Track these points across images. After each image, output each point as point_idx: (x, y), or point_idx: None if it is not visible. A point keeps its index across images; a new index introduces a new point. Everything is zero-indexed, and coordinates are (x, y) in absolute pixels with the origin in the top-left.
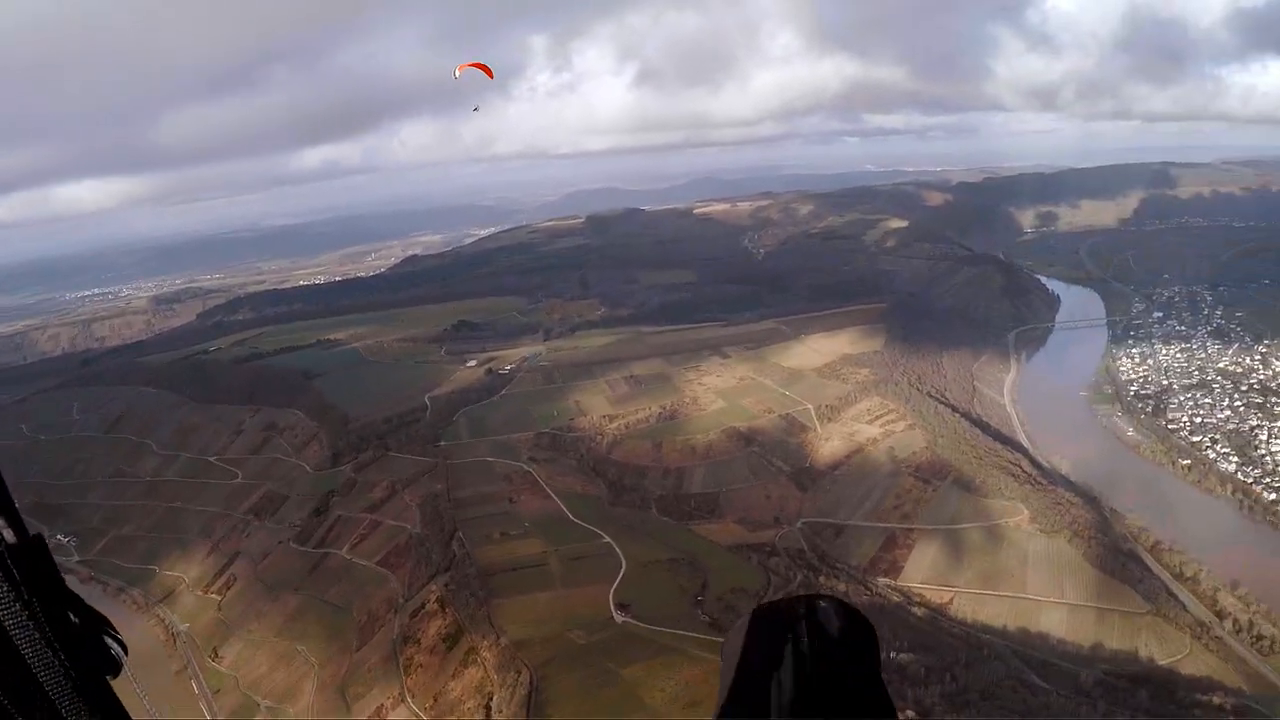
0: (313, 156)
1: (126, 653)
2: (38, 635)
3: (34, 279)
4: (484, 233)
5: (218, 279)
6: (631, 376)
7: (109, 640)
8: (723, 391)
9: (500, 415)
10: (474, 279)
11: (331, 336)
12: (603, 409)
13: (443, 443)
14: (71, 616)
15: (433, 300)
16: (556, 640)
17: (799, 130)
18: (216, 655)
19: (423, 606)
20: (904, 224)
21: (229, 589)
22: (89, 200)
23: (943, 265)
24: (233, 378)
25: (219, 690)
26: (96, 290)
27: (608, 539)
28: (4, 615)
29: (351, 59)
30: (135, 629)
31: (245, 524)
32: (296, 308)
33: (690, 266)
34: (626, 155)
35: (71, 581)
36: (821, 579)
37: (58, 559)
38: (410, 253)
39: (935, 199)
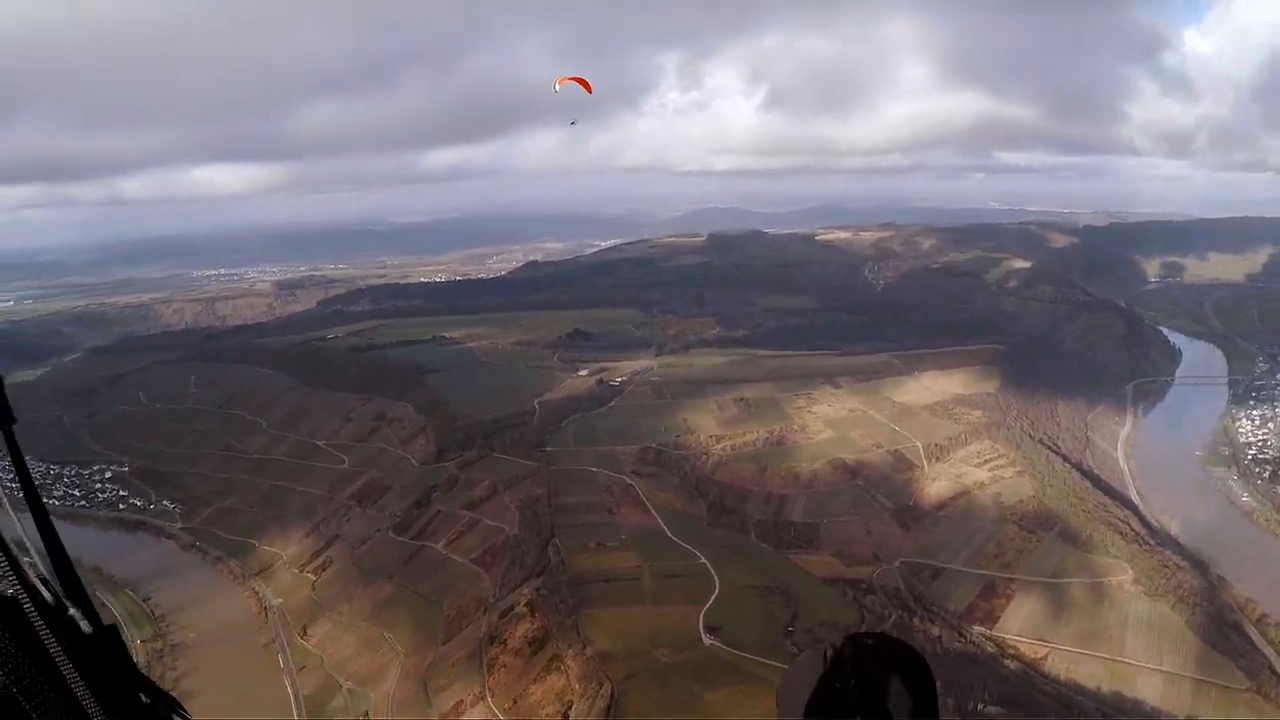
0: (442, 157)
1: None
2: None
3: (165, 255)
4: (606, 243)
5: (341, 269)
6: (742, 399)
7: (177, 718)
8: (832, 421)
9: (608, 426)
10: (593, 289)
11: (448, 334)
12: (710, 429)
13: (548, 448)
14: (143, 698)
15: (550, 306)
16: (642, 656)
17: (926, 163)
18: (305, 633)
19: (512, 608)
20: (1026, 264)
21: (324, 570)
22: (223, 184)
23: (1063, 309)
24: (347, 366)
25: (304, 667)
26: (223, 270)
27: (704, 560)
28: (82, 700)
29: (485, 65)
30: (230, 599)
31: (347, 509)
32: (416, 303)
33: (809, 292)
34: (752, 177)
35: (171, 547)
36: (916, 621)
37: (166, 525)
38: (532, 258)
39: (1059, 241)
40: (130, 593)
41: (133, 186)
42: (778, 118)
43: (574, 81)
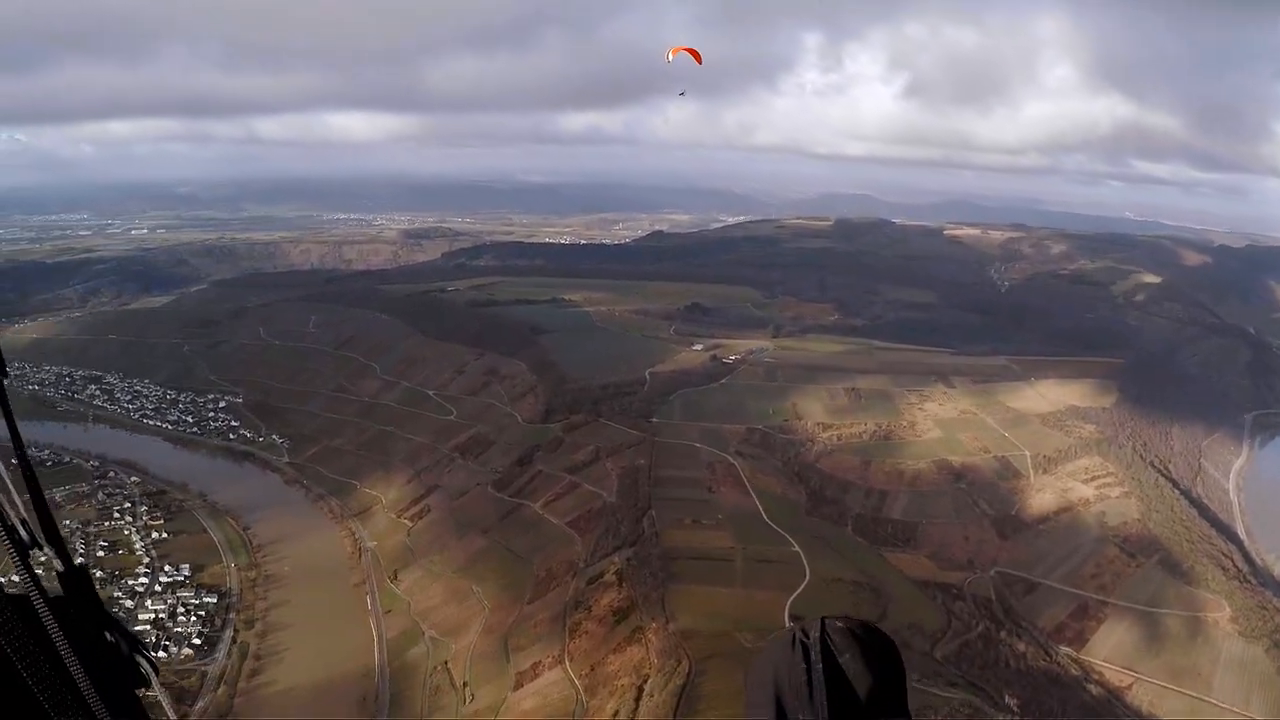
0: (576, 120)
1: (157, 672)
2: (76, 654)
3: (296, 196)
4: (732, 220)
5: (468, 223)
6: (853, 389)
7: (140, 659)
8: (942, 421)
9: (716, 403)
10: (714, 264)
11: (567, 296)
12: (819, 416)
13: (655, 419)
14: (108, 636)
15: (670, 278)
16: (724, 638)
17: (1062, 166)
18: (395, 578)
19: (601, 575)
20: (1156, 280)
21: (421, 518)
22: (358, 131)
23: (1189, 330)
24: (464, 319)
25: (390, 611)
26: (353, 215)
27: (797, 548)
28: (52, 634)
29: (625, 31)
30: (326, 537)
31: (449, 460)
32: (538, 263)
33: (932, 287)
34: (884, 165)
35: (275, 481)
36: (1003, 634)
37: (272, 458)
38: (657, 228)
39: (1192, 258)
40: (231, 520)
41: (269, 127)
42: (915, 107)
43: (686, 52)
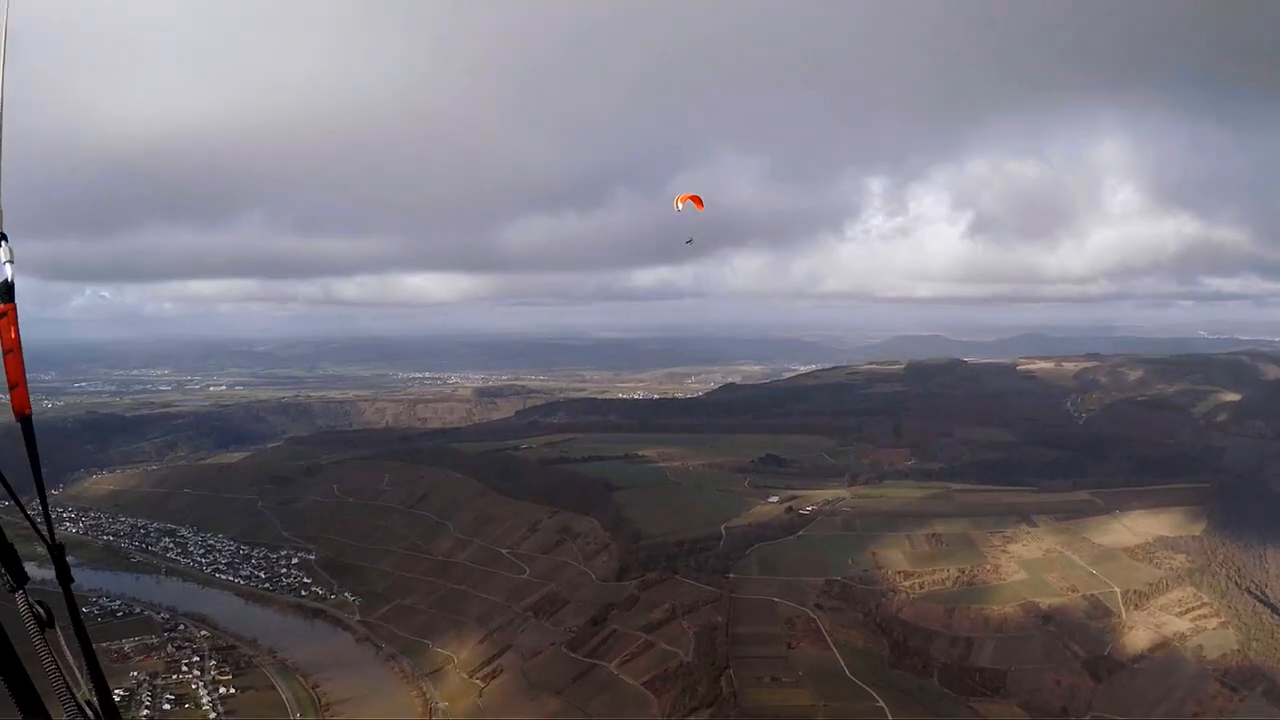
0: (646, 276)
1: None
2: None
3: (372, 355)
4: (803, 368)
5: (541, 380)
6: (934, 535)
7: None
8: (1026, 562)
9: (794, 556)
10: (788, 413)
11: (640, 452)
12: (899, 564)
13: (731, 574)
14: None
15: (744, 430)
16: None
17: (1132, 291)
18: None
19: None
20: (1236, 397)
21: (494, 678)
22: (432, 291)
23: (1275, 446)
24: (537, 476)
25: None
26: (427, 374)
27: (881, 703)
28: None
29: (690, 186)
30: (397, 698)
31: (523, 619)
32: (611, 419)
33: (1008, 425)
34: (953, 304)
35: (346, 639)
36: None
37: (344, 616)
38: (729, 379)
39: (1272, 372)
40: (301, 679)
41: (346, 288)
42: (981, 244)
43: (689, 200)
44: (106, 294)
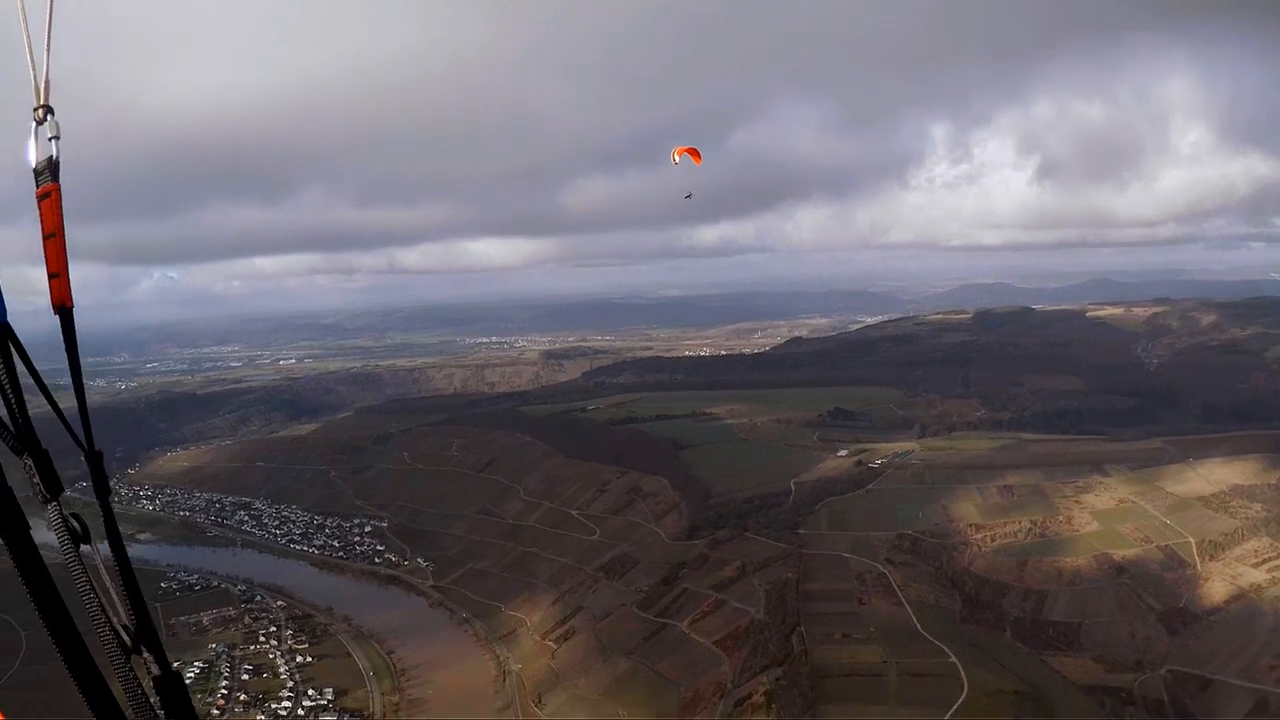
0: (709, 233)
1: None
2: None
3: (439, 322)
4: (870, 320)
5: (607, 340)
6: (1005, 486)
7: None
8: (1099, 513)
9: (863, 510)
10: (855, 366)
11: (707, 409)
12: (971, 517)
13: (801, 531)
14: None
15: (812, 384)
16: None
17: (1202, 233)
18: (540, 702)
19: (749, 696)
20: None
21: (566, 640)
22: (495, 256)
23: None
24: (605, 437)
25: None
26: (494, 339)
27: (953, 658)
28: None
29: (753, 139)
30: (470, 661)
31: (594, 580)
32: (677, 377)
33: (1078, 373)
34: (1020, 251)
35: (420, 604)
36: None
37: (417, 582)
38: (795, 334)
39: None
40: (376, 645)
41: (410, 256)
42: (1048, 189)
43: (687, 154)
44: (174, 275)
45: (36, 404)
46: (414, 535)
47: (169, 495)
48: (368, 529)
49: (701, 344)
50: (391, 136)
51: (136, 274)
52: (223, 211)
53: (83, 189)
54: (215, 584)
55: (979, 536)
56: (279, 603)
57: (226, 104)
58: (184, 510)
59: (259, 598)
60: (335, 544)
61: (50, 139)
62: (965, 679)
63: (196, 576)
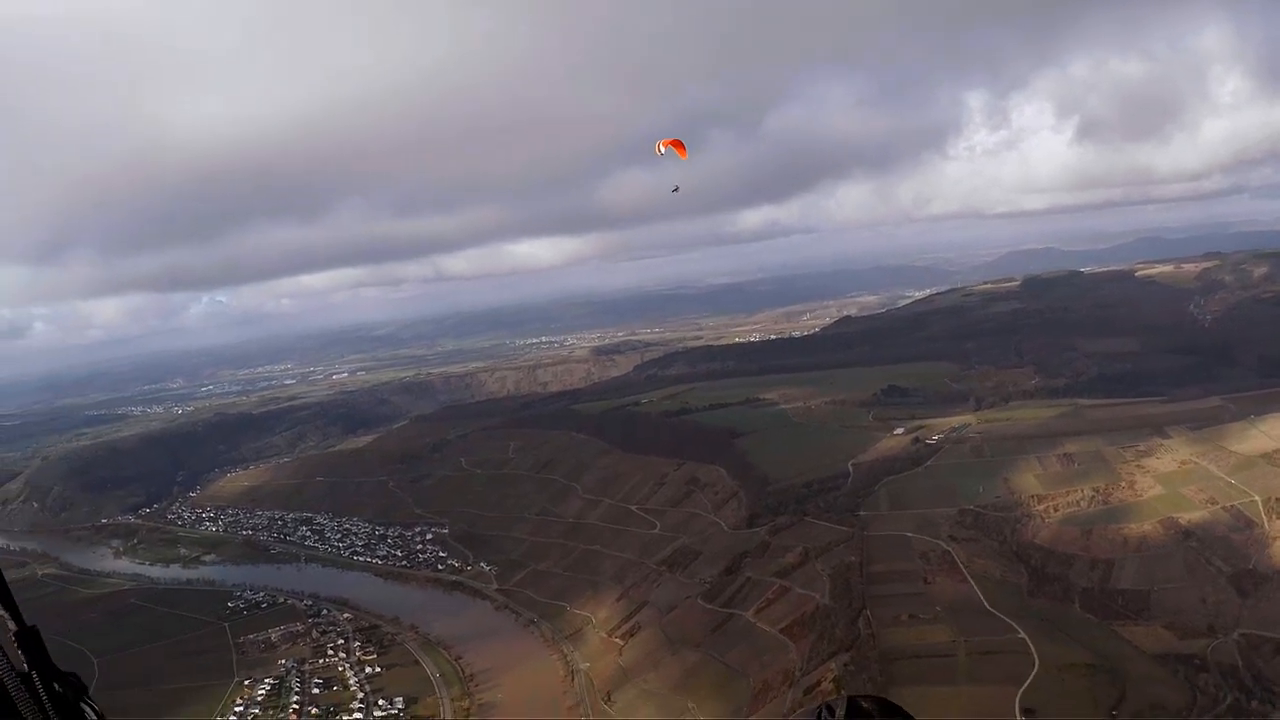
0: (753, 217)
1: (102, 718)
2: (37, 706)
3: (489, 325)
4: (918, 294)
5: (657, 333)
6: (1065, 455)
7: (86, 706)
8: (1162, 476)
9: (923, 488)
10: (906, 342)
11: (761, 396)
12: (1032, 488)
13: (862, 512)
14: (56, 687)
15: (863, 363)
16: None
17: (1248, 183)
18: (609, 699)
19: (818, 684)
20: None
21: (632, 635)
22: (540, 256)
23: None
24: (661, 430)
25: None
26: (545, 338)
27: (1022, 634)
28: (13, 689)
29: (787, 120)
30: (538, 662)
31: (657, 574)
32: (729, 365)
33: (1131, 334)
34: (1064, 213)
35: (485, 608)
36: (1254, 704)
37: (481, 586)
38: (845, 313)
39: None
40: (444, 651)
41: (455, 264)
42: (1090, 149)
43: (671, 146)
44: (223, 299)
45: None
46: (475, 540)
47: (231, 516)
48: (429, 536)
49: (751, 329)
50: (423, 145)
51: (186, 300)
52: (263, 232)
53: (125, 221)
54: (282, 600)
55: (1042, 507)
56: (345, 615)
57: (257, 126)
58: (246, 529)
59: (325, 611)
60: (398, 553)
61: None
62: (1036, 654)
63: (262, 594)
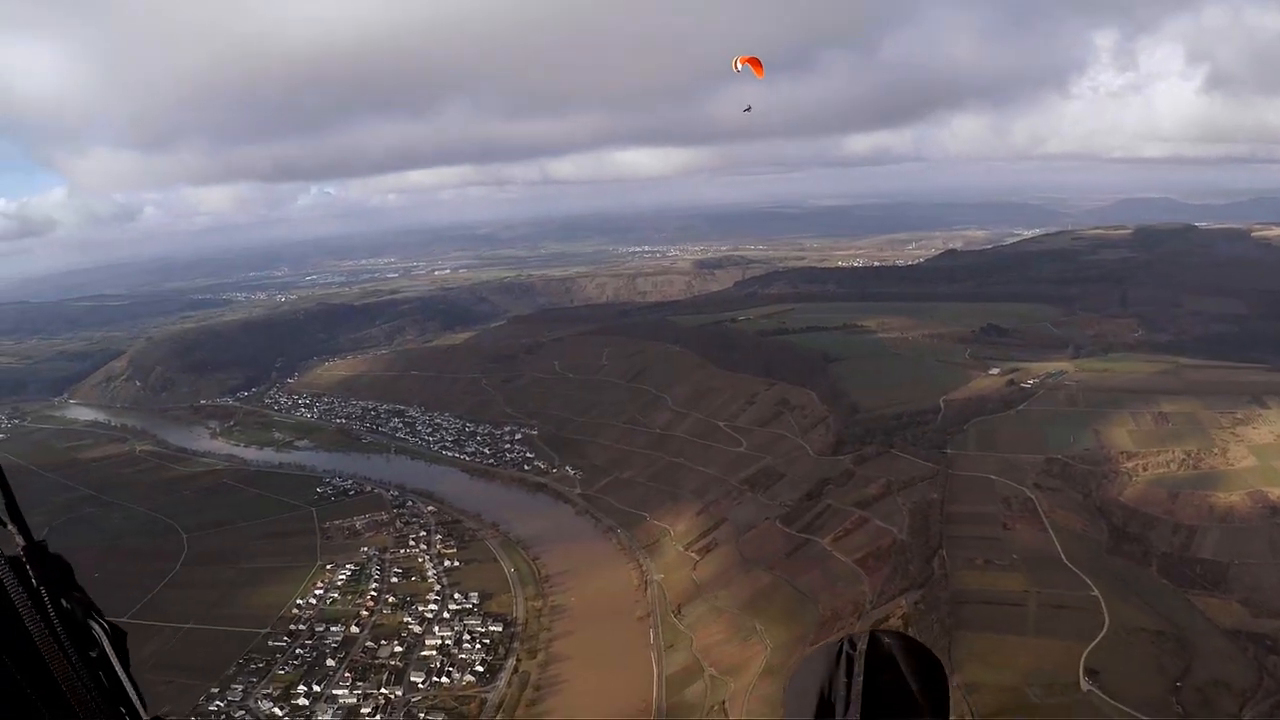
0: (863, 142)
1: (109, 635)
2: (45, 623)
3: (592, 231)
4: (1027, 233)
5: (760, 250)
6: (1160, 413)
7: (93, 622)
8: (1257, 448)
9: (1013, 432)
10: (1010, 281)
11: (859, 322)
12: (1123, 444)
13: (948, 450)
14: (63, 603)
15: (965, 298)
16: (1011, 692)
17: None
18: (679, 612)
19: (886, 618)
20: None
21: (708, 551)
22: (648, 166)
23: None
24: (755, 349)
25: (672, 646)
26: (647, 248)
27: (1096, 592)
28: (20, 606)
29: (907, 47)
30: (613, 569)
31: (738, 493)
32: (829, 288)
33: (1241, 296)
34: (1184, 164)
35: (567, 512)
36: None
37: (564, 490)
38: (950, 246)
39: None
40: (522, 551)
41: (562, 168)
42: (1217, 101)
43: (748, 64)
44: (331, 191)
45: None
46: (562, 444)
47: (326, 403)
48: (518, 437)
49: (855, 254)
50: (535, 50)
51: (294, 190)
52: (372, 128)
53: (233, 113)
54: (369, 489)
55: (1130, 465)
56: (430, 508)
57: (368, 24)
58: (340, 418)
59: (410, 503)
60: (486, 451)
61: None
62: (1107, 614)
63: (351, 482)
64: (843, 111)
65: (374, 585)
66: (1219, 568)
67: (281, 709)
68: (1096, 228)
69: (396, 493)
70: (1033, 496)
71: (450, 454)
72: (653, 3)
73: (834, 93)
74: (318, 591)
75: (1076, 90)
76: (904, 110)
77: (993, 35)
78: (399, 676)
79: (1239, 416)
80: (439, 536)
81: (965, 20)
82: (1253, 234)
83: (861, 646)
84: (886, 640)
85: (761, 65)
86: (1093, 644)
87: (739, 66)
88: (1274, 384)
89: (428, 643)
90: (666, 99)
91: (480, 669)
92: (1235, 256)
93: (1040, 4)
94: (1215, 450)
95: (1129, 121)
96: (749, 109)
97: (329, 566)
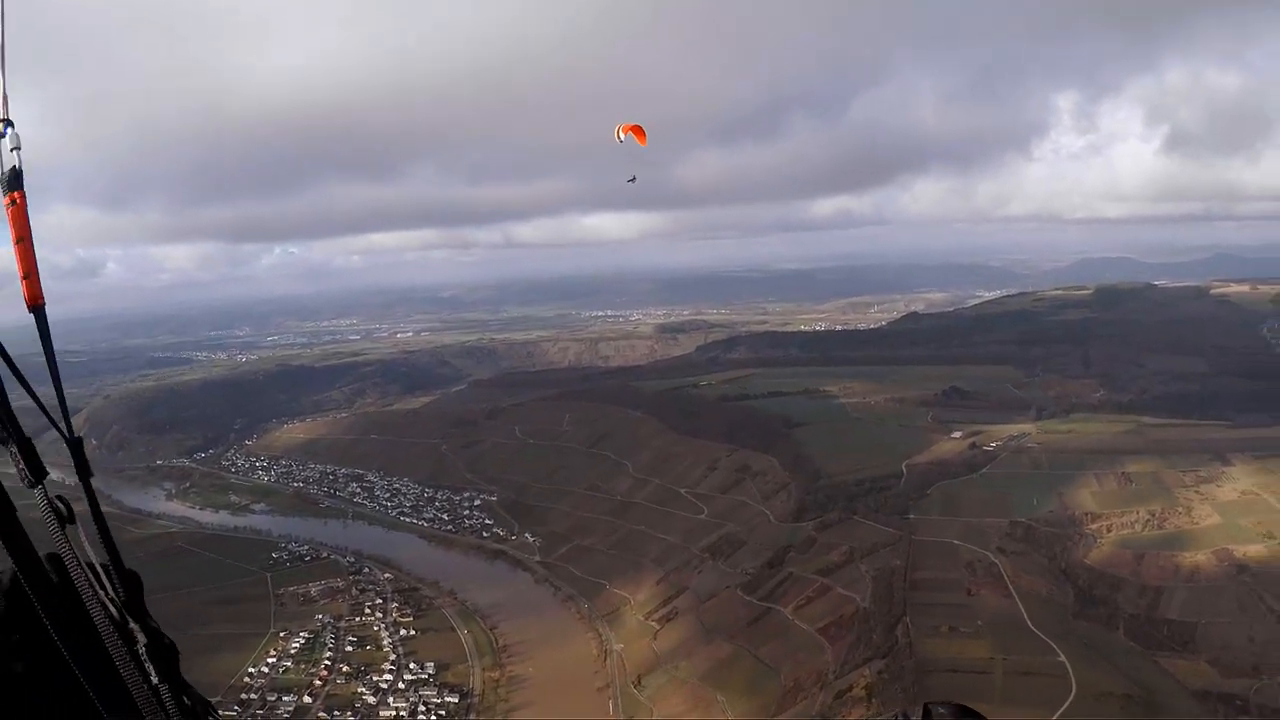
0: (826, 205)
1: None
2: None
3: (554, 295)
4: (988, 295)
5: (723, 314)
6: (1124, 474)
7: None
8: (1221, 505)
9: (976, 495)
10: (972, 343)
11: (821, 387)
12: (1087, 505)
13: (911, 515)
14: (185, 700)
15: (927, 361)
16: None
17: None
18: (639, 683)
19: (850, 689)
20: None
21: (669, 621)
22: (610, 229)
23: None
24: (717, 414)
25: (632, 718)
26: (609, 312)
27: (1062, 657)
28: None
29: (870, 111)
30: (573, 639)
31: (700, 561)
32: (792, 353)
33: (1201, 354)
34: (1143, 224)
35: (525, 580)
36: None
37: (524, 557)
38: (912, 308)
39: None
40: (480, 620)
41: (525, 231)
42: (1175, 161)
43: (630, 132)
44: (295, 250)
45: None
46: (522, 510)
47: (284, 466)
48: (477, 503)
49: (817, 317)
50: (499, 113)
51: (258, 250)
52: (337, 189)
53: (196, 170)
54: (325, 555)
55: (1095, 526)
56: (386, 575)
57: (334, 85)
58: (298, 481)
59: (367, 569)
60: (445, 517)
61: (12, 150)
62: (1074, 679)
63: (307, 547)
64: (806, 175)
65: (328, 654)
66: (1187, 628)
67: None
68: (1057, 288)
69: (353, 559)
70: (997, 561)
71: (409, 520)
72: (617, 65)
73: (799, 157)
74: (270, 659)
75: (1039, 152)
76: (868, 174)
77: (957, 99)
78: None
79: (1203, 475)
80: (395, 604)
81: (930, 85)
82: (1211, 291)
83: (916, 718)
84: (939, 710)
85: (645, 133)
86: (1060, 710)
87: (621, 136)
88: (1237, 440)
89: (382, 714)
90: (629, 163)
91: None
92: (1194, 314)
93: (1005, 67)
94: (1180, 509)
95: (1090, 182)
96: (634, 179)
97: (282, 634)
